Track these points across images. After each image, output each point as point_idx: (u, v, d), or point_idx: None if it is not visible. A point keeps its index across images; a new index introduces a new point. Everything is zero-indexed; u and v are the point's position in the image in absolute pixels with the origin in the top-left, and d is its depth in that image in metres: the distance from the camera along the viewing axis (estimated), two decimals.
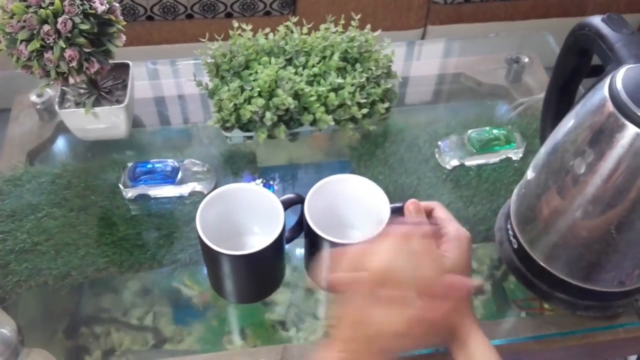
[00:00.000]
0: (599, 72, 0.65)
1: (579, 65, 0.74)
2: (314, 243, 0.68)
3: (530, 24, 1.96)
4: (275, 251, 0.65)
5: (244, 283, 0.71)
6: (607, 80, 0.60)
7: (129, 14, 1.74)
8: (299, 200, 0.68)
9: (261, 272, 0.64)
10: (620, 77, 0.59)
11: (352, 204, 0.72)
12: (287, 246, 0.73)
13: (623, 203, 0.60)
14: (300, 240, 0.75)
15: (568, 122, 0.65)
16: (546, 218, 0.69)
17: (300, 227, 0.72)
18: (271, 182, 0.94)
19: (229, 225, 0.69)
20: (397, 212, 0.67)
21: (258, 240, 0.71)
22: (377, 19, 1.87)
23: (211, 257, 0.64)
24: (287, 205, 0.66)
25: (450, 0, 1.87)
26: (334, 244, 0.65)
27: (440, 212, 0.68)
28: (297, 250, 0.85)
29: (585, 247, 0.66)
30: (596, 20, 0.66)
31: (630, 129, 0.57)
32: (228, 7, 1.76)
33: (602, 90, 0.60)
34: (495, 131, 0.94)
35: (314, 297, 0.81)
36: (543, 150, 0.70)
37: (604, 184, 0.60)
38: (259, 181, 0.93)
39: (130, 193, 0.87)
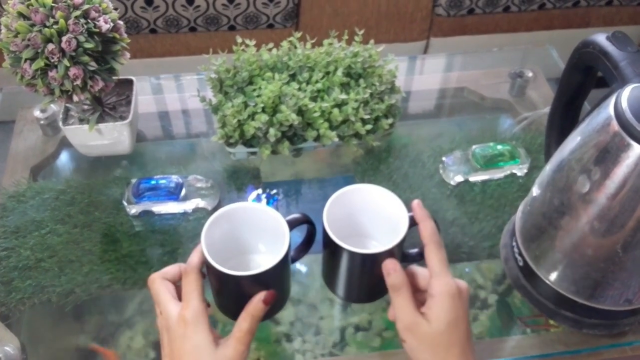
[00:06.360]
0: (605, 84, 0.65)
1: (583, 82, 0.74)
2: (333, 253, 0.67)
3: (533, 35, 1.96)
4: (280, 271, 0.64)
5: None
6: (612, 99, 0.60)
7: (132, 27, 1.74)
8: (305, 221, 0.68)
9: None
10: (625, 96, 0.58)
11: (370, 214, 0.71)
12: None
13: (629, 222, 0.60)
14: (305, 257, 0.75)
15: (573, 140, 0.65)
16: (552, 236, 0.68)
17: (307, 247, 0.71)
18: (275, 195, 0.94)
19: (234, 243, 0.69)
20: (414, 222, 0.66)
21: (264, 258, 0.71)
22: (380, 31, 1.88)
23: (216, 278, 0.63)
24: (293, 225, 0.66)
25: (454, 12, 1.88)
26: (354, 254, 0.65)
27: (430, 253, 0.61)
28: (302, 267, 0.85)
29: (592, 266, 0.66)
30: (600, 38, 0.66)
31: (636, 149, 0.56)
32: (231, 20, 1.76)
33: (607, 109, 0.60)
34: (499, 147, 0.94)
35: (319, 313, 0.81)
36: (548, 168, 0.70)
37: (610, 203, 0.60)
38: (262, 195, 0.93)
39: (134, 209, 0.87)
